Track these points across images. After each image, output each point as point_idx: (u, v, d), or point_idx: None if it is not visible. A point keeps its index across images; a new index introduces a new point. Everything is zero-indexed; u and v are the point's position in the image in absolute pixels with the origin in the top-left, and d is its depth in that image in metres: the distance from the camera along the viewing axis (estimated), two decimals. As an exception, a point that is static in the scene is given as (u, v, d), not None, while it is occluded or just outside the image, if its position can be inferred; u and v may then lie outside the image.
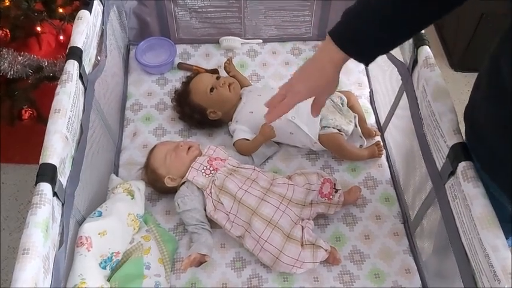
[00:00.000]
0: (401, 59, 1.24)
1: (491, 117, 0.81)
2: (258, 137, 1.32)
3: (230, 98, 1.40)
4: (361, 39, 0.86)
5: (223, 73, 1.51)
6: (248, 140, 1.34)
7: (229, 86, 1.40)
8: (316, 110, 0.99)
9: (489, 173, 0.86)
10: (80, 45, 1.13)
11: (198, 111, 1.39)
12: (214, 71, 1.54)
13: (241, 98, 1.42)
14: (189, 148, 1.27)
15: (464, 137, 0.93)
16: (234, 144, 1.36)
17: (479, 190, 0.85)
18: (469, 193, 0.86)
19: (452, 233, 0.94)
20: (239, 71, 1.52)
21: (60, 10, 1.82)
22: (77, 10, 1.24)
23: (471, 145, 0.90)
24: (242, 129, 1.36)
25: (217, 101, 1.38)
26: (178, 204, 1.20)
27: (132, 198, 1.18)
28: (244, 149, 1.34)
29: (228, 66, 1.51)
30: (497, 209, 0.83)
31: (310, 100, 1.35)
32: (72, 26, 1.20)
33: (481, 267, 0.82)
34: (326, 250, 1.14)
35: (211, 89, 1.38)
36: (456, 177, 0.91)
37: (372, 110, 1.51)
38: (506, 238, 0.80)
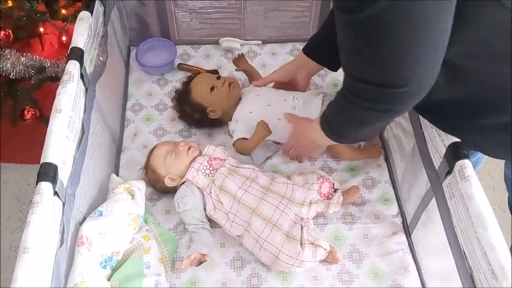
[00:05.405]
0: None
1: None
2: (254, 136, 1.33)
3: (230, 97, 1.41)
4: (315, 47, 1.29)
5: (223, 74, 1.52)
6: (247, 139, 1.35)
7: (229, 86, 1.41)
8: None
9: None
10: (81, 46, 1.14)
11: (198, 110, 1.40)
12: (214, 72, 1.55)
13: (241, 98, 1.43)
14: (189, 148, 1.28)
15: None
16: (233, 144, 1.37)
17: (476, 189, 0.86)
18: (466, 192, 0.87)
19: (450, 232, 0.95)
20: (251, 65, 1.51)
21: (63, 11, 1.83)
22: (79, 11, 1.25)
23: None
24: (242, 129, 1.37)
25: (217, 99, 1.39)
26: (178, 204, 1.21)
27: (132, 198, 1.18)
28: (244, 149, 1.34)
29: (238, 61, 1.50)
30: None
31: (310, 103, 1.36)
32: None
33: (479, 265, 0.83)
34: (325, 249, 1.15)
35: (212, 88, 1.39)
36: (453, 176, 0.92)
37: (371, 110, 1.51)
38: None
